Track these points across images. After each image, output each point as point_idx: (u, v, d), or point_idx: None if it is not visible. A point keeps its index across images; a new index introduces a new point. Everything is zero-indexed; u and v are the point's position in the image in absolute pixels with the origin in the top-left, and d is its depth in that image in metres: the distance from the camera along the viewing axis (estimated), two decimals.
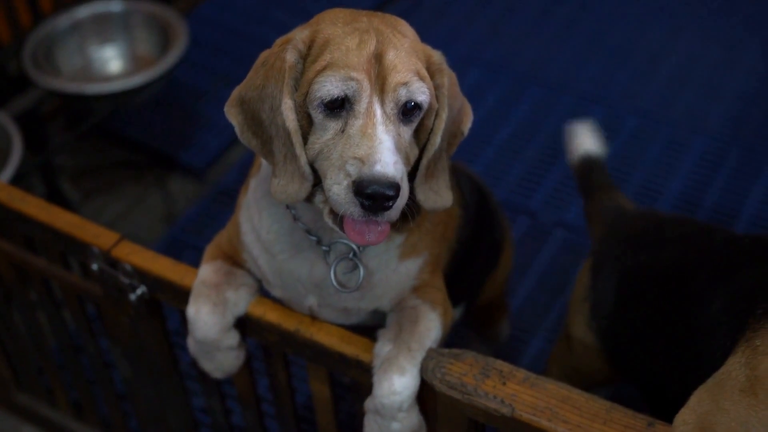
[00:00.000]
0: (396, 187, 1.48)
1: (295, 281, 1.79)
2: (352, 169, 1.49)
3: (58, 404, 2.61)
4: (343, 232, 1.57)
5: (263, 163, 1.74)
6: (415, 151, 1.63)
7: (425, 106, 1.57)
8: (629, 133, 3.52)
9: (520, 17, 4.12)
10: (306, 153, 1.57)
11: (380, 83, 1.52)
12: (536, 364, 2.73)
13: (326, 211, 1.58)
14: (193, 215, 3.28)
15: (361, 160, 1.48)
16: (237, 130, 1.63)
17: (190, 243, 3.16)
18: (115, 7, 3.50)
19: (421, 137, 1.64)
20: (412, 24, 1.69)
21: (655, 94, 3.70)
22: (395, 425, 1.71)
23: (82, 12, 3.46)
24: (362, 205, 1.49)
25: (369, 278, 1.76)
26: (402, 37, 1.57)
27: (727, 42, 3.94)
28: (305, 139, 1.57)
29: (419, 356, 1.71)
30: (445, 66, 1.63)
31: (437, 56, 1.63)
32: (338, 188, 1.50)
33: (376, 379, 1.71)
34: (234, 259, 1.89)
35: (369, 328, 1.86)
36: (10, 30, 3.45)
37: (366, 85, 1.51)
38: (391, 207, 1.50)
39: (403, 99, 1.54)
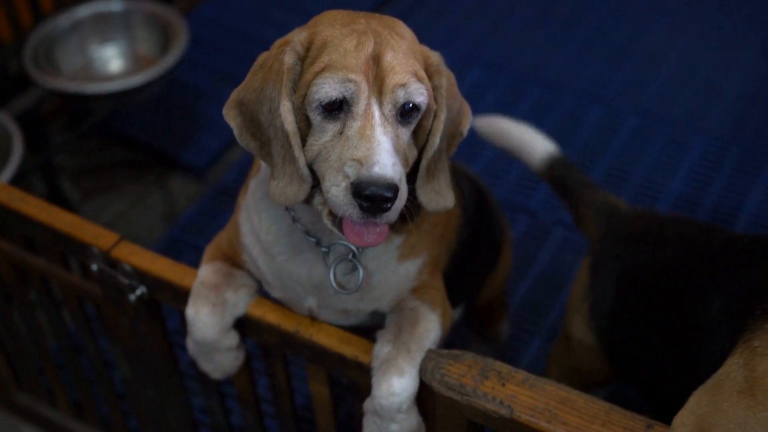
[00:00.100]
0: (394, 188, 1.48)
1: (294, 282, 1.79)
2: (351, 171, 1.49)
3: (58, 404, 2.61)
4: (342, 233, 1.57)
5: (262, 164, 1.74)
6: (414, 153, 1.63)
7: (423, 107, 1.57)
8: (629, 133, 3.53)
9: (520, 17, 4.12)
10: (304, 155, 1.57)
11: (378, 85, 1.52)
12: (536, 364, 2.73)
13: (325, 212, 1.59)
14: (194, 215, 3.29)
15: (360, 162, 1.48)
16: (235, 132, 1.63)
17: (191, 242, 3.16)
18: (116, 7, 3.50)
19: (419, 138, 1.64)
20: (412, 24, 1.69)
21: (655, 93, 3.70)
22: (394, 426, 1.71)
23: (83, 11, 3.47)
24: (361, 207, 1.49)
25: (368, 279, 1.76)
26: (400, 38, 1.57)
27: (727, 42, 3.94)
28: (304, 140, 1.57)
29: (418, 357, 1.71)
30: (443, 67, 1.63)
31: (435, 57, 1.63)
32: (337, 190, 1.50)
33: (375, 380, 1.71)
34: (233, 260, 1.89)
35: (368, 329, 1.86)
36: (11, 29, 3.45)
37: (364, 86, 1.51)
38: (389, 208, 1.50)
39: (402, 100, 1.54)
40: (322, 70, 1.52)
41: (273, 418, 2.21)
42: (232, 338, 1.86)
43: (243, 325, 1.89)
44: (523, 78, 3.78)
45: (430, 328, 1.75)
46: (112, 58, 3.52)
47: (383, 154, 1.48)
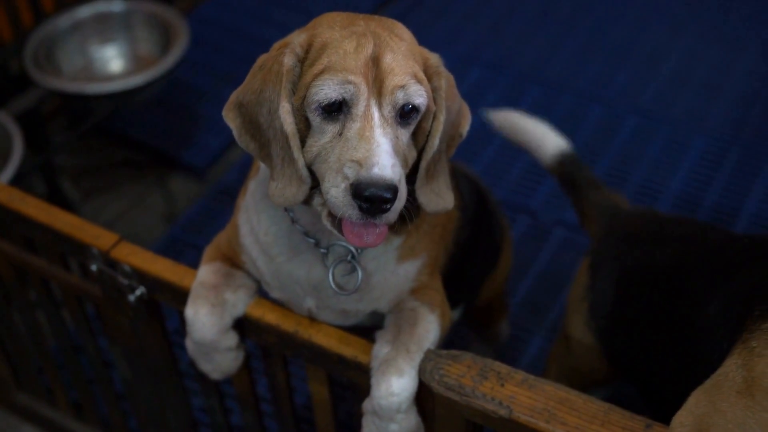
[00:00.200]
0: (394, 189, 1.48)
1: (293, 283, 1.80)
2: (350, 172, 1.49)
3: (57, 404, 2.62)
4: (342, 234, 1.57)
5: (262, 165, 1.75)
6: (413, 154, 1.63)
7: (423, 108, 1.58)
8: (629, 133, 3.53)
9: (520, 17, 4.13)
10: (304, 156, 1.57)
11: (377, 86, 1.52)
12: (536, 364, 2.74)
13: (324, 213, 1.59)
14: (194, 215, 3.29)
15: (359, 163, 1.48)
16: (235, 133, 1.63)
17: (191, 242, 3.17)
18: (116, 7, 3.50)
19: (419, 140, 1.64)
20: (412, 24, 1.69)
21: (655, 93, 3.70)
22: (393, 426, 1.71)
23: (84, 12, 3.47)
24: (360, 208, 1.49)
25: (367, 280, 1.76)
26: (399, 40, 1.57)
27: (727, 42, 3.94)
28: (303, 142, 1.58)
29: (417, 358, 1.71)
30: (442, 68, 1.63)
31: (434, 59, 1.63)
32: (336, 191, 1.50)
33: (374, 380, 1.71)
34: (233, 261, 1.89)
35: (367, 330, 1.86)
36: (12, 29, 3.45)
37: (363, 88, 1.51)
38: (389, 209, 1.50)
39: (401, 102, 1.54)
40: (322, 72, 1.52)
41: (272, 417, 2.21)
42: (232, 338, 1.87)
43: (242, 325, 1.89)
44: (523, 78, 3.78)
45: (429, 328, 1.75)
46: (112, 59, 3.52)
47: (383, 156, 1.49)
